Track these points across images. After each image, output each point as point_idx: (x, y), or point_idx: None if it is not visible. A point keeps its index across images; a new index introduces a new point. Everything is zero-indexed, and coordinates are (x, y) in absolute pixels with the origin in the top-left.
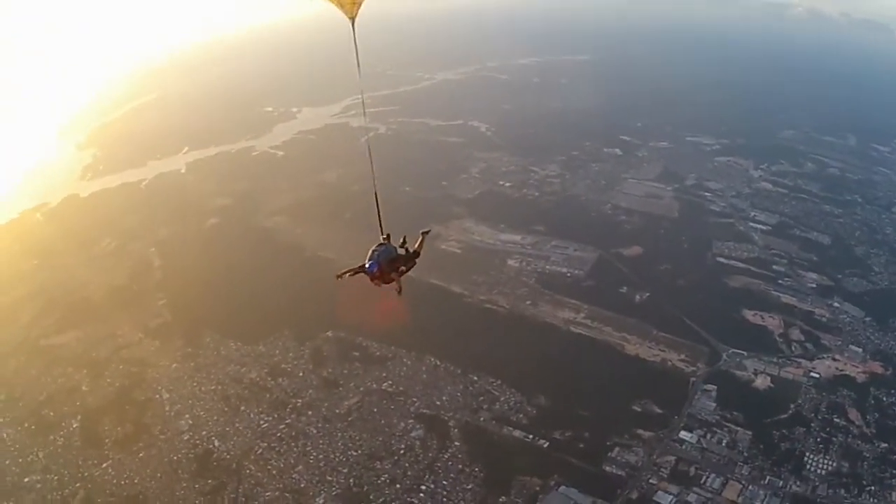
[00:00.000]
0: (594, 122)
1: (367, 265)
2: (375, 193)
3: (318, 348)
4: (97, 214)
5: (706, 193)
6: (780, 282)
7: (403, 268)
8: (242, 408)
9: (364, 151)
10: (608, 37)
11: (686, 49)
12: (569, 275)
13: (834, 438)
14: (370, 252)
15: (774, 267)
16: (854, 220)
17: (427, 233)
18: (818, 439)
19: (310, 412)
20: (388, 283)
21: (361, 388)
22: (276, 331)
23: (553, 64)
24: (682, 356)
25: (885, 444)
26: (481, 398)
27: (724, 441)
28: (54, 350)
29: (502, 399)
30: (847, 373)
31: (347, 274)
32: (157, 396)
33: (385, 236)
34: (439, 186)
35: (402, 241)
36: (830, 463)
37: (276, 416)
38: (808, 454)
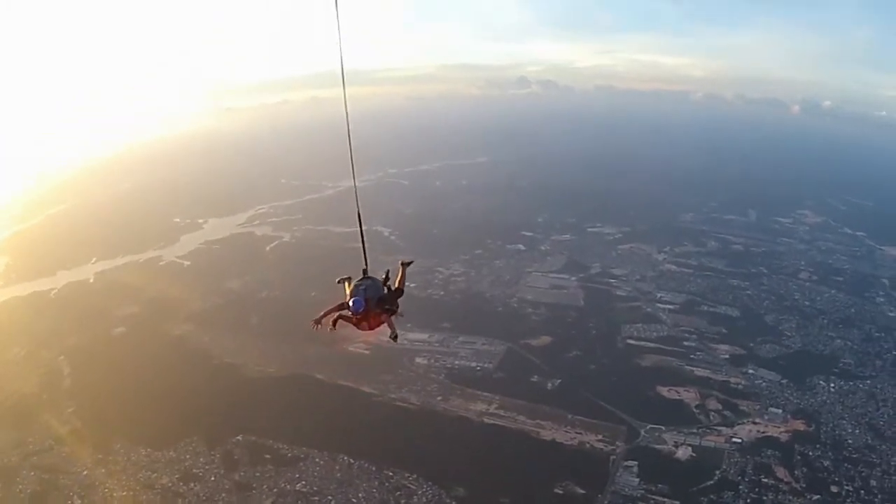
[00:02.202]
0: (496, 221)
1: (350, 303)
2: (359, 217)
3: (228, 452)
4: (7, 322)
5: (611, 280)
6: (692, 356)
7: (391, 308)
8: None
9: (269, 259)
10: (505, 137)
11: (583, 142)
12: (478, 368)
13: (764, 498)
14: (352, 287)
15: (685, 343)
16: (761, 291)
17: (408, 264)
18: (748, 501)
19: None
20: (373, 327)
21: (275, 490)
22: (186, 436)
23: (453, 168)
24: (600, 436)
25: (818, 496)
26: (398, 493)
27: None
28: None
29: (420, 492)
30: (769, 434)
31: (326, 318)
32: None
33: (364, 270)
34: (345, 292)
35: (384, 276)
36: None
37: None
38: None
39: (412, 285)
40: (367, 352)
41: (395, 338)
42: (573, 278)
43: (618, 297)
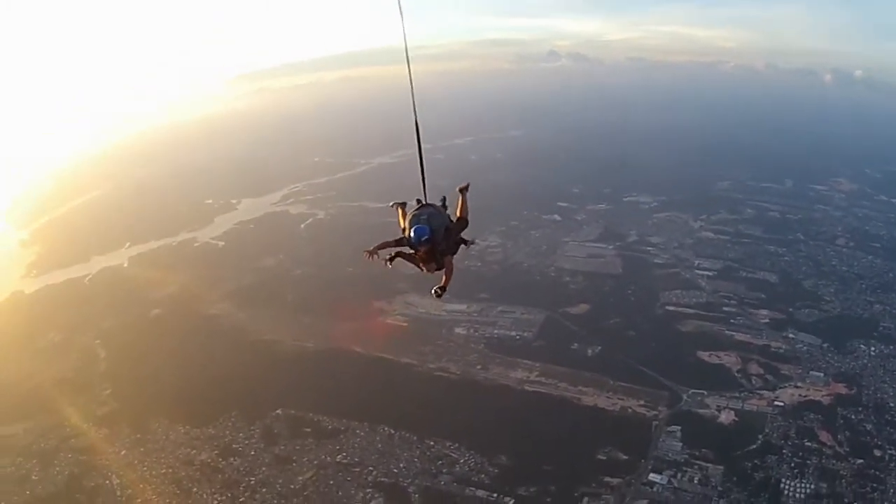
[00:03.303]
0: (531, 192)
1: (411, 233)
2: (417, 132)
3: (268, 427)
4: (42, 309)
5: (648, 248)
6: (731, 321)
7: (461, 239)
8: (195, 489)
9: (304, 236)
10: (537, 110)
11: (615, 114)
12: (518, 337)
13: (808, 461)
14: (409, 217)
15: (724, 308)
16: (799, 257)
17: (466, 189)
18: (792, 465)
19: (264, 489)
20: (440, 265)
21: (315, 462)
22: (224, 412)
23: (487, 141)
24: (642, 402)
25: (861, 460)
26: (440, 462)
27: (696, 478)
28: (3, 441)
29: (462, 461)
30: (811, 397)
31: (381, 252)
32: (108, 482)
33: (419, 200)
34: (380, 264)
35: (440, 202)
36: (808, 486)
37: (229, 495)
38: (783, 480)
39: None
40: (405, 324)
41: (441, 291)
42: (610, 247)
43: (655, 264)
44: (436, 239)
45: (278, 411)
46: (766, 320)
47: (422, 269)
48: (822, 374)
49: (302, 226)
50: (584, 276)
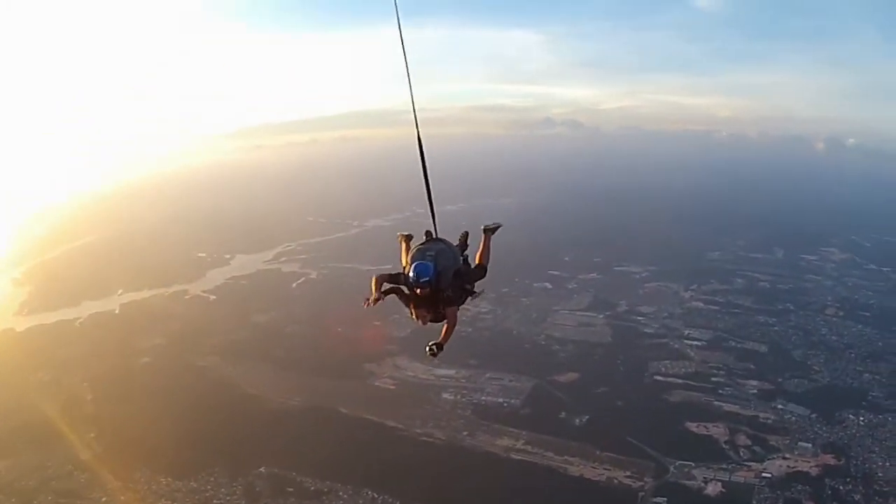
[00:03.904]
0: (522, 259)
1: (411, 271)
2: (422, 154)
3: (250, 484)
4: (32, 349)
5: (639, 318)
6: (720, 392)
7: (470, 288)
8: None
9: (295, 295)
10: (531, 176)
11: (609, 181)
12: (505, 404)
13: None
14: (413, 251)
15: (713, 379)
16: (788, 327)
17: (493, 230)
18: None
19: None
20: (437, 315)
21: None
22: (207, 467)
23: (480, 208)
24: (628, 473)
25: None
26: None
27: None
28: None
29: None
30: (799, 468)
31: (378, 289)
32: None
33: (429, 233)
34: (372, 326)
35: (460, 240)
36: None
37: None
38: None
39: (437, 325)
40: (392, 387)
41: (437, 349)
42: (600, 316)
43: (645, 334)
44: (441, 282)
45: (261, 469)
46: (755, 391)
47: (413, 317)
48: (810, 445)
49: (294, 285)
50: (574, 345)
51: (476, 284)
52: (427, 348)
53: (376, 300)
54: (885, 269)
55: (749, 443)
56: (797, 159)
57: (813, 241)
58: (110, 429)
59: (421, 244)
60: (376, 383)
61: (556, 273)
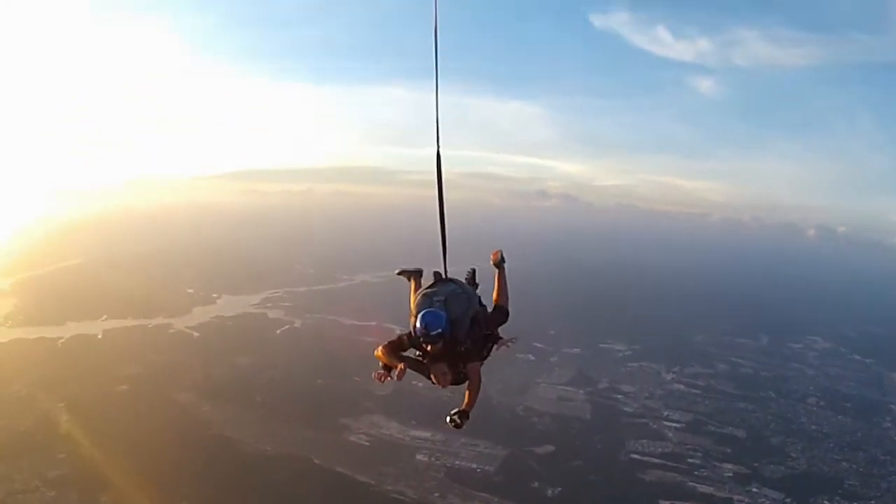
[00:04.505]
0: (507, 330)
1: (418, 323)
2: (440, 177)
3: None
4: (11, 361)
5: (619, 396)
6: (696, 473)
7: (493, 335)
8: None
9: (279, 341)
10: (522, 247)
11: (601, 257)
12: (479, 470)
13: None
14: (418, 297)
15: (690, 460)
16: (768, 414)
17: (501, 262)
18: None
19: None
20: (456, 380)
21: None
22: (174, 502)
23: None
24: None
25: None
26: None
27: None
28: None
29: None
30: None
31: (389, 361)
32: None
33: (438, 274)
34: (351, 381)
35: (466, 279)
36: None
37: None
38: None
39: (420, 384)
40: (366, 443)
41: (461, 419)
42: (581, 391)
43: (624, 412)
44: (456, 333)
45: None
46: (731, 474)
47: (433, 381)
48: None
49: (278, 331)
50: (552, 418)
51: (500, 331)
52: (448, 419)
53: (401, 372)
54: (868, 360)
55: None
56: (788, 245)
57: (798, 329)
58: (81, 451)
59: (427, 288)
60: (351, 438)
61: (539, 345)
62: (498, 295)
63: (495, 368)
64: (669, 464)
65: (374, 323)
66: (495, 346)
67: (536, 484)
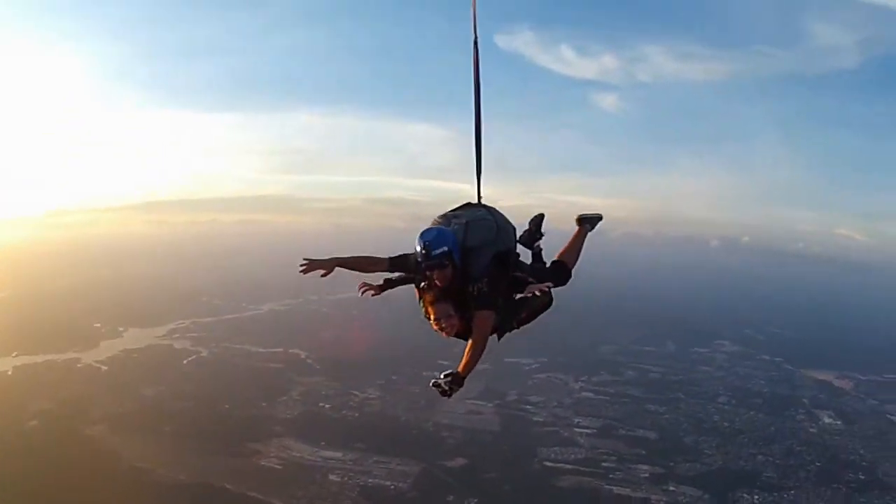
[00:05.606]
0: (413, 348)
1: (417, 241)
2: (478, 102)
3: None
4: None
5: (528, 406)
6: (611, 476)
7: (525, 281)
8: None
9: (186, 371)
10: None
11: None
12: (392, 487)
13: None
14: (437, 217)
15: (603, 464)
16: (679, 415)
17: (594, 221)
18: None
19: None
20: (460, 329)
21: None
22: None
23: (373, 299)
24: None
25: None
26: None
27: None
28: None
29: None
30: None
31: (369, 266)
32: None
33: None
34: (259, 407)
35: (531, 225)
36: None
37: None
38: None
39: (327, 406)
40: (278, 466)
41: (451, 384)
42: (489, 405)
43: (534, 422)
44: (470, 268)
45: None
46: (646, 475)
47: (431, 323)
48: None
49: (185, 361)
50: (462, 432)
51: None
52: (432, 383)
53: (380, 288)
54: (777, 358)
55: None
56: (691, 258)
57: (705, 335)
58: None
59: (453, 209)
60: (262, 462)
61: (445, 363)
62: (565, 250)
63: (400, 387)
64: (584, 469)
65: (280, 349)
66: (530, 295)
67: (451, 497)
